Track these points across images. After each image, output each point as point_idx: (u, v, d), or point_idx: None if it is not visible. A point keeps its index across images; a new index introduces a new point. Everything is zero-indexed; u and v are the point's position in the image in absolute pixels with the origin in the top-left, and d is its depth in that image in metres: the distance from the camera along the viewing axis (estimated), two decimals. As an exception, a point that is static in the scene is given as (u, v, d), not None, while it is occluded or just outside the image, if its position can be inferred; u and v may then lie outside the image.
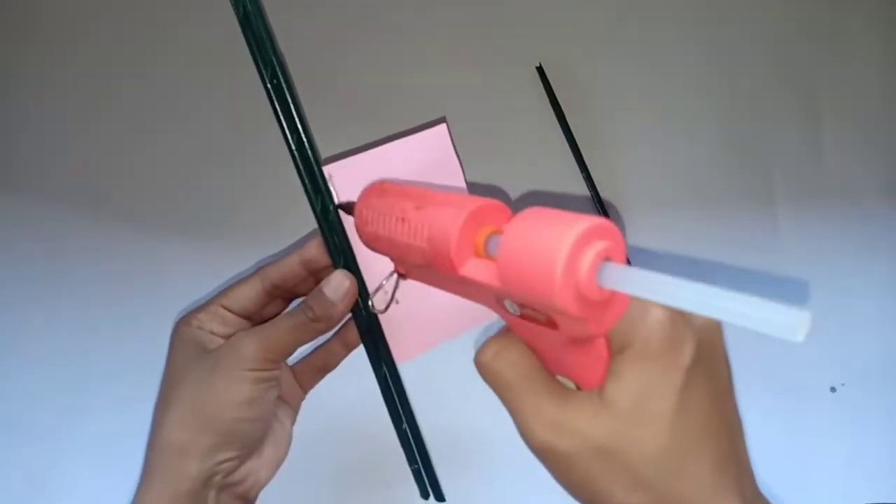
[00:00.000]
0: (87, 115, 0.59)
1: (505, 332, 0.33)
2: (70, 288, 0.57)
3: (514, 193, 0.60)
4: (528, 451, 0.31)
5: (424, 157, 0.40)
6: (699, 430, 0.28)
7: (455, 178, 0.41)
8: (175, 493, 0.35)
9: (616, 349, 0.29)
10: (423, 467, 0.44)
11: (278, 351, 0.37)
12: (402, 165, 0.40)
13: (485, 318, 0.39)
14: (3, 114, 0.59)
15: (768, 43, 0.64)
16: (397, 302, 0.40)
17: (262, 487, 0.39)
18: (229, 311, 0.39)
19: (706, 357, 0.29)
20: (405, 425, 0.43)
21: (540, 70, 0.61)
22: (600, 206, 0.60)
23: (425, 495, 0.44)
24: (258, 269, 0.40)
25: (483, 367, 0.33)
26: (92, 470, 0.55)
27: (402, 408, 0.43)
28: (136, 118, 0.59)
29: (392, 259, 0.38)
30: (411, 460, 0.44)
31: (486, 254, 0.30)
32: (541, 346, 0.32)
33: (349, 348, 0.43)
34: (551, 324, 0.29)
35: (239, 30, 0.39)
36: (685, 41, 0.64)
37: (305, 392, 0.43)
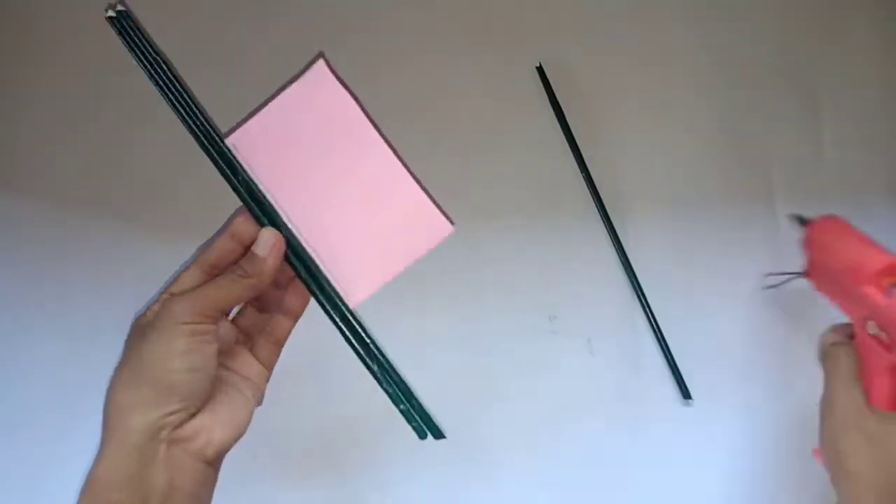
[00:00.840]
0: (88, 116, 0.59)
1: (845, 328, 0.47)
2: (70, 288, 0.57)
3: (514, 194, 0.60)
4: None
5: (314, 104, 0.40)
6: None
7: (354, 117, 0.40)
8: (124, 449, 0.37)
9: None
10: (412, 405, 0.43)
11: (210, 306, 0.39)
12: (297, 116, 0.40)
13: (435, 240, 0.41)
14: (7, 115, 0.59)
15: (768, 42, 0.64)
16: None
17: (218, 448, 0.39)
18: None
19: None
20: (377, 365, 0.43)
21: (540, 70, 0.61)
22: (600, 207, 0.60)
23: (423, 434, 0.44)
24: (195, 256, 0.43)
25: (828, 346, 0.46)
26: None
27: (370, 348, 0.43)
28: (137, 119, 0.59)
29: (811, 264, 0.50)
30: (397, 400, 0.43)
31: (885, 290, 0.45)
32: (869, 362, 0.45)
33: (294, 316, 0.45)
34: (888, 347, 0.44)
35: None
36: (686, 41, 0.64)
37: (269, 369, 0.45)
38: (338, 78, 0.39)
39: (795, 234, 0.55)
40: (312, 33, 0.60)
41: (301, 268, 0.42)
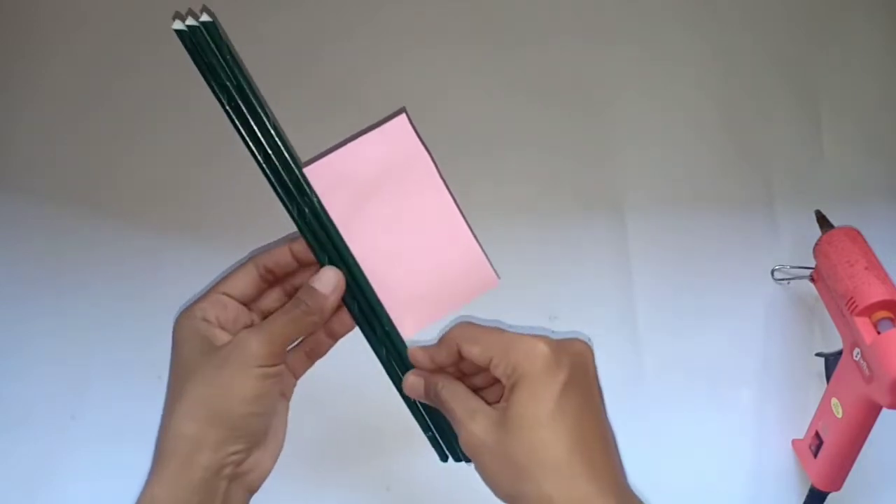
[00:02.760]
0: (88, 114, 0.59)
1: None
2: (70, 288, 0.57)
3: (514, 193, 0.60)
4: None
5: (390, 151, 0.42)
6: (574, 432, 0.35)
7: (424, 167, 0.42)
8: (188, 483, 0.37)
9: (515, 373, 0.37)
10: (437, 430, 0.44)
11: (281, 345, 0.39)
12: (373, 160, 0.42)
13: (482, 290, 0.44)
14: (7, 115, 0.59)
15: (769, 43, 0.64)
16: None
17: (265, 477, 0.41)
18: (229, 296, 0.41)
19: (579, 376, 0.38)
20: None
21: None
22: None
23: (444, 458, 0.45)
24: (251, 256, 0.43)
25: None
26: (92, 471, 0.55)
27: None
28: (137, 118, 0.59)
29: (818, 272, 0.54)
30: (425, 427, 0.44)
31: (874, 324, 0.49)
32: (847, 385, 0.51)
33: (335, 338, 0.45)
34: (867, 379, 0.48)
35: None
36: (686, 41, 0.64)
37: (297, 379, 0.45)
38: (415, 131, 0.42)
39: (814, 232, 0.55)
40: (311, 30, 0.60)
41: (354, 304, 0.43)
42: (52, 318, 0.57)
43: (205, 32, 0.39)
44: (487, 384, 0.41)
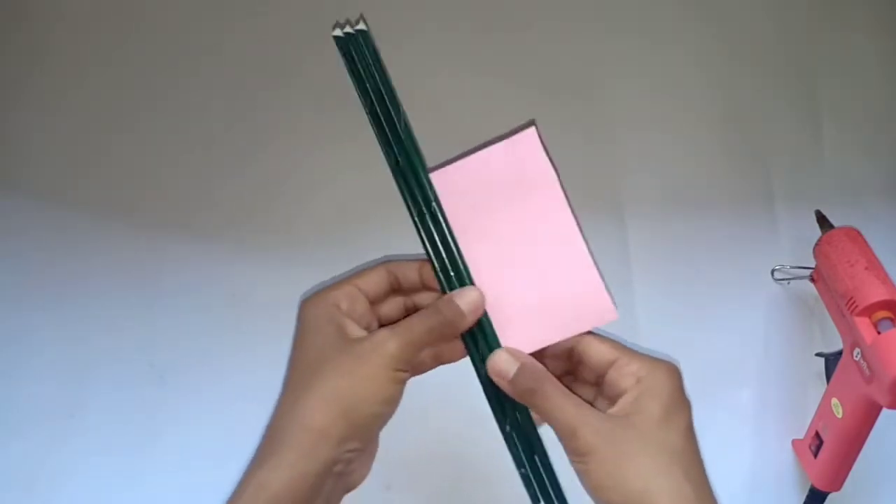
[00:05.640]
0: (88, 115, 0.59)
1: None
2: (70, 287, 0.57)
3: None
4: None
5: (516, 164, 0.41)
6: (695, 468, 0.37)
7: (550, 185, 0.41)
8: (305, 474, 0.36)
9: (644, 384, 0.38)
10: (544, 469, 0.41)
11: (415, 352, 0.38)
12: (498, 172, 0.41)
13: (598, 321, 0.41)
14: (6, 116, 0.59)
15: (768, 42, 0.64)
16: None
17: (362, 482, 0.40)
18: (361, 291, 0.41)
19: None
20: (511, 424, 0.42)
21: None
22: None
23: (536, 501, 0.42)
24: (383, 261, 0.42)
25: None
26: (91, 471, 0.55)
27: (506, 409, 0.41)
28: (139, 119, 0.59)
29: (818, 272, 0.55)
30: (519, 463, 0.42)
31: (874, 324, 0.49)
32: (847, 385, 0.51)
33: (440, 363, 0.43)
34: (868, 379, 0.48)
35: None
36: (685, 41, 0.63)
37: None
38: (544, 146, 0.41)
39: (814, 232, 0.55)
40: (308, 30, 0.60)
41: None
42: (51, 316, 0.57)
43: (361, 40, 0.41)
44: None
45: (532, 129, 0.41)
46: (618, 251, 0.60)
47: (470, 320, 0.40)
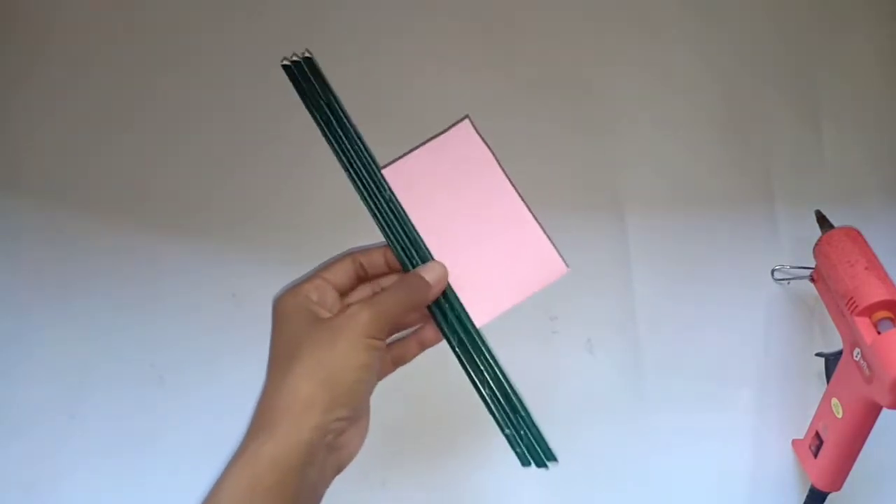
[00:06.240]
0: (87, 114, 0.59)
1: None
2: (70, 289, 0.57)
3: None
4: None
5: (457, 152, 0.47)
6: None
7: (489, 166, 0.47)
8: (297, 442, 0.38)
9: None
10: (516, 430, 0.44)
11: (387, 321, 0.41)
12: (442, 162, 0.47)
13: (552, 278, 0.46)
14: (9, 117, 0.59)
15: (768, 43, 0.64)
16: None
17: (352, 458, 0.42)
18: (329, 283, 0.44)
19: None
20: (488, 389, 0.45)
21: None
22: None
23: (526, 462, 0.45)
24: (349, 252, 0.46)
25: None
26: (90, 471, 0.55)
27: (483, 373, 0.45)
28: (139, 122, 0.59)
29: (818, 272, 0.55)
30: (504, 424, 0.45)
31: (874, 324, 0.49)
32: (848, 384, 0.51)
33: (424, 347, 0.47)
34: (868, 379, 0.48)
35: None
36: (685, 41, 0.63)
37: (379, 380, 0.46)
38: (479, 134, 0.47)
39: (814, 232, 0.55)
40: (306, 31, 0.60)
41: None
42: (51, 316, 0.57)
43: (305, 67, 0.48)
44: None
45: (466, 121, 0.47)
46: (618, 251, 0.60)
47: (436, 290, 0.44)
